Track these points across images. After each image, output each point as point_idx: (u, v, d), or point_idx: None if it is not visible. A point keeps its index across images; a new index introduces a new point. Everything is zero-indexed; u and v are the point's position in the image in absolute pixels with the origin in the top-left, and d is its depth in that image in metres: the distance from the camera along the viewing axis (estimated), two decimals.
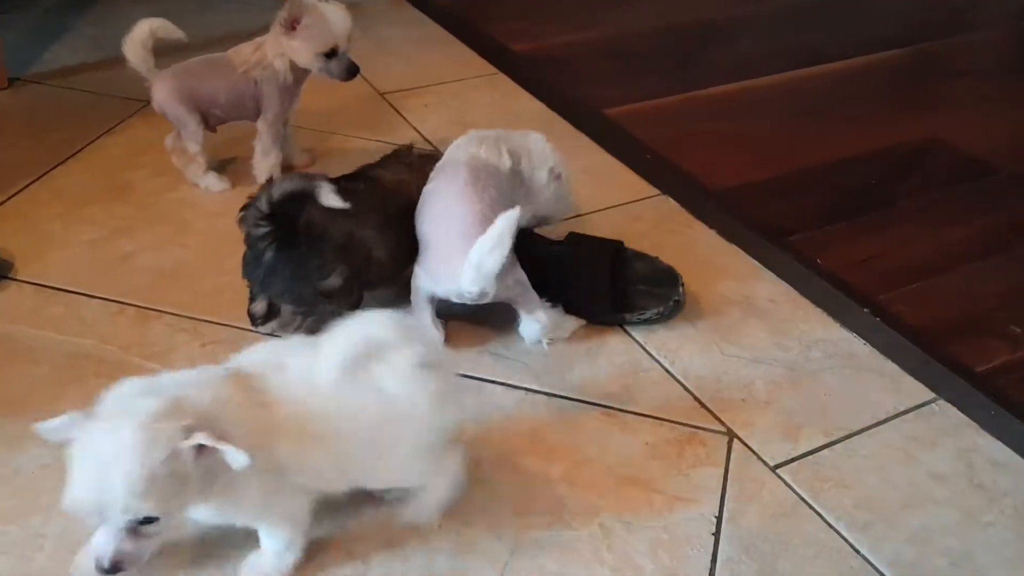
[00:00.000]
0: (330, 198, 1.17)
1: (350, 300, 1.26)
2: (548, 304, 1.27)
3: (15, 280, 1.43)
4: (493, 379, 1.26)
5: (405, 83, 2.10)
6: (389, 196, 1.30)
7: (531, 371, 1.27)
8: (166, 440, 0.77)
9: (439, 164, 1.31)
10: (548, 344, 1.29)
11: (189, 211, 1.61)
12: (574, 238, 1.41)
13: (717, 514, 1.07)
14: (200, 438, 0.78)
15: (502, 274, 1.14)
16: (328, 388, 0.87)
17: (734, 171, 1.75)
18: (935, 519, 1.08)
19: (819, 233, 1.56)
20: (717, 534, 1.05)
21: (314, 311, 1.26)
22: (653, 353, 1.31)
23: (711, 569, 1.01)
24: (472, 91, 2.09)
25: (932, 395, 1.26)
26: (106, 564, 0.79)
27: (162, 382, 0.85)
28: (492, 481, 1.11)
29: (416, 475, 1.00)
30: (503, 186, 1.26)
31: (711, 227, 1.59)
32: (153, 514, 0.78)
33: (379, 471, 0.96)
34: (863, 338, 1.34)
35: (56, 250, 1.50)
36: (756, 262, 1.51)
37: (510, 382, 1.25)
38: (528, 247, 1.26)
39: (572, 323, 1.32)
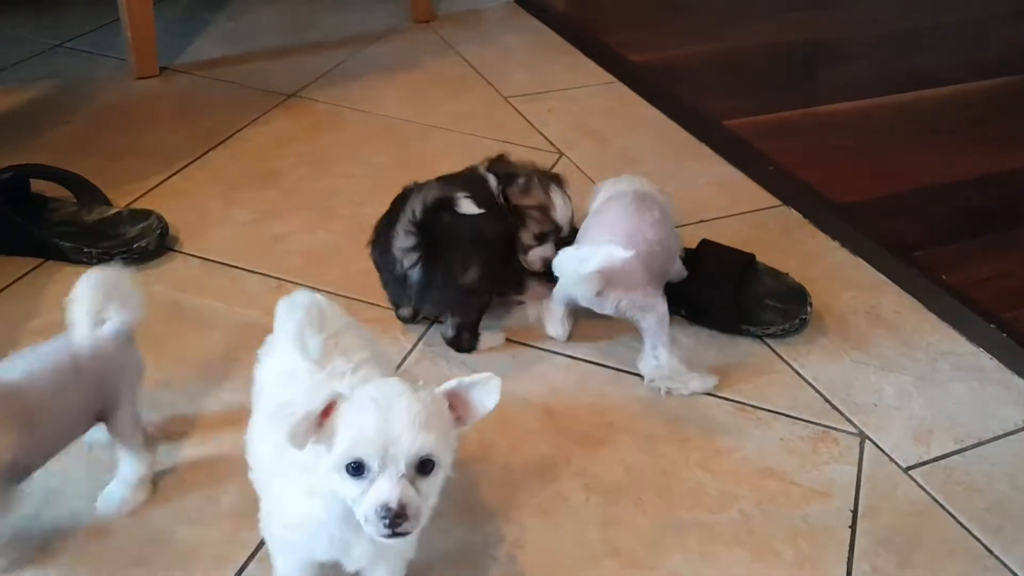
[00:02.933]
0: (468, 206, 1.25)
1: (490, 291, 1.34)
2: (676, 352, 1.27)
3: (180, 252, 1.55)
4: (628, 370, 1.33)
5: (527, 88, 2.18)
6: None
7: None
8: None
9: (603, 194, 1.41)
10: (665, 393, 1.27)
11: (333, 199, 1.71)
12: (705, 244, 1.47)
13: (853, 508, 1.12)
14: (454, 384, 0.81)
15: (623, 283, 1.22)
16: None
17: (856, 186, 1.79)
18: None
19: (943, 250, 1.59)
20: (853, 527, 1.10)
21: (459, 310, 1.34)
22: (784, 356, 1.36)
23: (849, 558, 1.06)
24: (591, 98, 2.17)
25: None
26: (392, 506, 0.75)
27: None
28: (633, 464, 1.17)
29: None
30: (666, 212, 1.35)
31: (835, 239, 1.64)
32: (434, 452, 0.77)
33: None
34: (990, 353, 1.37)
35: (215, 228, 1.62)
36: (881, 275, 1.54)
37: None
38: None
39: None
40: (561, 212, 1.38)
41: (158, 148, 1.84)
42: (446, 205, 1.26)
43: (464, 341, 1.34)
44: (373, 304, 1.43)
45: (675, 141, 1.99)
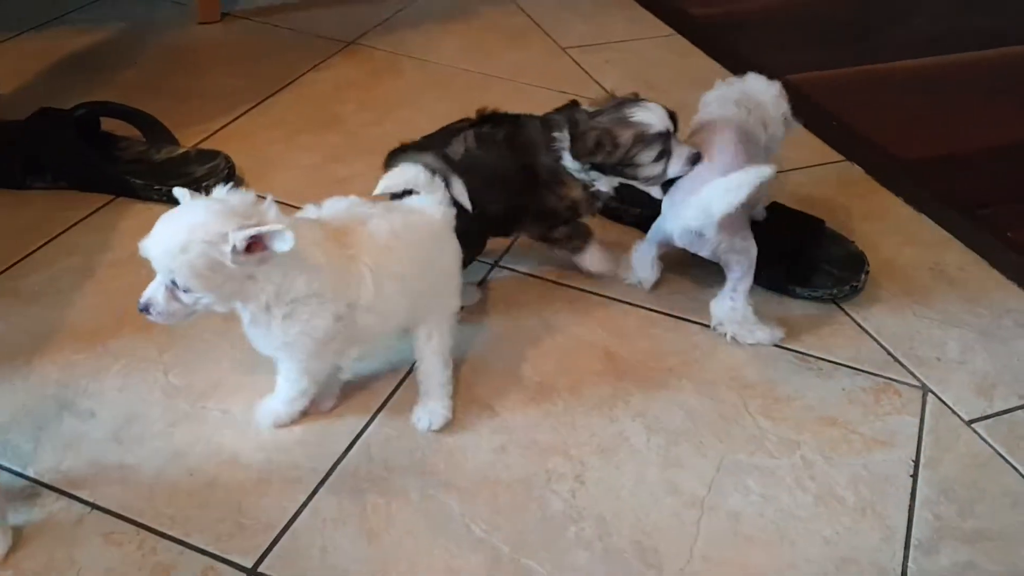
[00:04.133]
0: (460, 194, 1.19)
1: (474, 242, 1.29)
2: (749, 303, 1.27)
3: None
4: (687, 317, 1.33)
5: (585, 39, 2.17)
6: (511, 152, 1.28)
7: None
8: (221, 226, 0.92)
9: (698, 121, 1.33)
10: (730, 339, 1.28)
11: (394, 144, 1.72)
12: (775, 207, 1.44)
13: (914, 458, 1.13)
14: (250, 231, 0.92)
15: (728, 226, 1.20)
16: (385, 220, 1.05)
17: (920, 143, 1.76)
18: None
19: (1009, 208, 1.57)
20: (915, 476, 1.10)
21: None
22: (846, 309, 1.35)
23: (910, 506, 1.07)
24: (650, 50, 2.15)
25: None
26: (141, 301, 0.97)
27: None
28: (694, 407, 1.19)
29: (449, 313, 1.16)
30: (760, 148, 1.31)
31: (898, 195, 1.62)
32: (183, 283, 0.94)
33: (433, 307, 1.12)
34: None
35: (279, 171, 1.64)
36: (945, 231, 1.53)
37: (708, 323, 1.31)
38: None
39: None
40: (656, 119, 1.21)
41: (221, 92, 1.87)
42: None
43: None
44: None
45: None
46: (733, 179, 1.14)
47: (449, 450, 1.12)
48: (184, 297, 0.96)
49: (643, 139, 1.21)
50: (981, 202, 1.58)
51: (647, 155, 1.22)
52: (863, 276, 1.37)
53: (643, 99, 1.25)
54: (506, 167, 1.26)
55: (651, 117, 1.21)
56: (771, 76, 1.97)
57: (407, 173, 1.12)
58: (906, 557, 1.01)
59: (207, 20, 2.14)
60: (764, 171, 1.14)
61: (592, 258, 1.36)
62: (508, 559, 0.99)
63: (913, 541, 1.03)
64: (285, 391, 1.11)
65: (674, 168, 1.23)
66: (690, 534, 1.03)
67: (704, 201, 1.16)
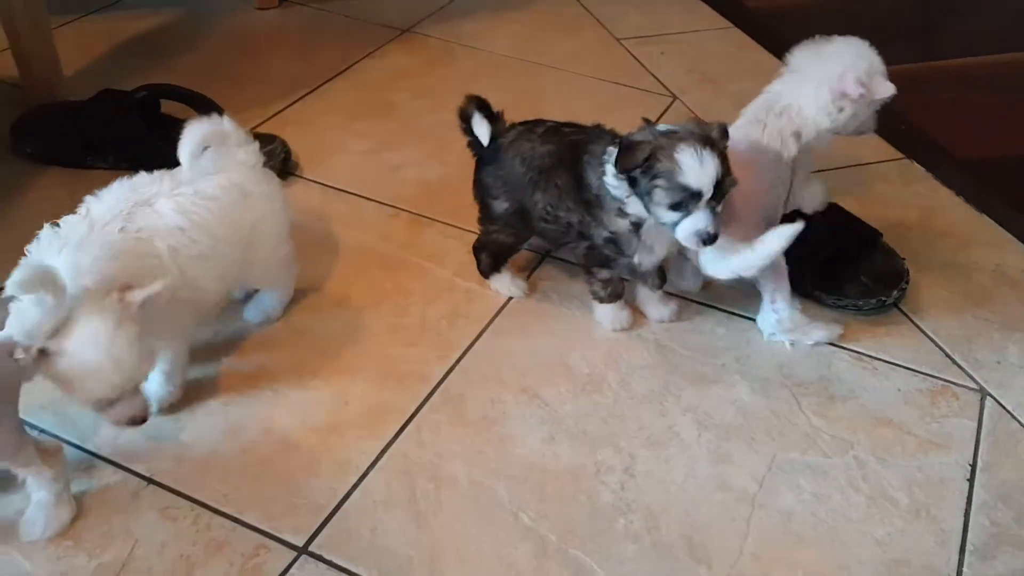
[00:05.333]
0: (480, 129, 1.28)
1: (515, 230, 1.31)
2: (796, 303, 1.25)
3: (301, 177, 1.59)
4: (739, 313, 1.32)
5: (640, 31, 2.15)
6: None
7: None
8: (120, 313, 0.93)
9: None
10: (790, 344, 1.26)
11: (448, 133, 1.68)
12: (832, 208, 1.39)
13: (971, 462, 1.10)
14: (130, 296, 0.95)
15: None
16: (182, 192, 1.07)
17: (982, 143, 1.72)
18: None
19: None
20: (972, 480, 1.08)
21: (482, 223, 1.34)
22: (903, 309, 1.33)
23: (966, 511, 1.05)
24: (706, 42, 2.12)
25: None
26: (145, 414, 1.00)
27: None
28: (746, 403, 1.18)
29: (278, 275, 1.24)
30: (778, 157, 1.24)
31: (958, 195, 1.58)
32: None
33: (250, 273, 1.18)
34: None
35: (334, 156, 1.66)
36: (1007, 233, 1.49)
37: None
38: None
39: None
40: (694, 173, 1.07)
41: (278, 77, 1.89)
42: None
43: (479, 260, 1.36)
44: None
45: None
46: (759, 254, 1.12)
47: (499, 438, 1.13)
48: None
49: (669, 179, 1.08)
50: None
51: (664, 196, 1.09)
52: (895, 293, 1.31)
53: (710, 145, 1.08)
54: (556, 168, 1.22)
55: (690, 165, 1.06)
56: None
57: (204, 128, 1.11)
58: (960, 562, 0.99)
59: (265, 6, 2.16)
60: (789, 231, 1.10)
61: (602, 313, 1.29)
62: (556, 549, 1.00)
63: (968, 546, 1.01)
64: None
65: (681, 232, 1.11)
66: (740, 531, 1.02)
67: (734, 267, 1.14)
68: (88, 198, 1.06)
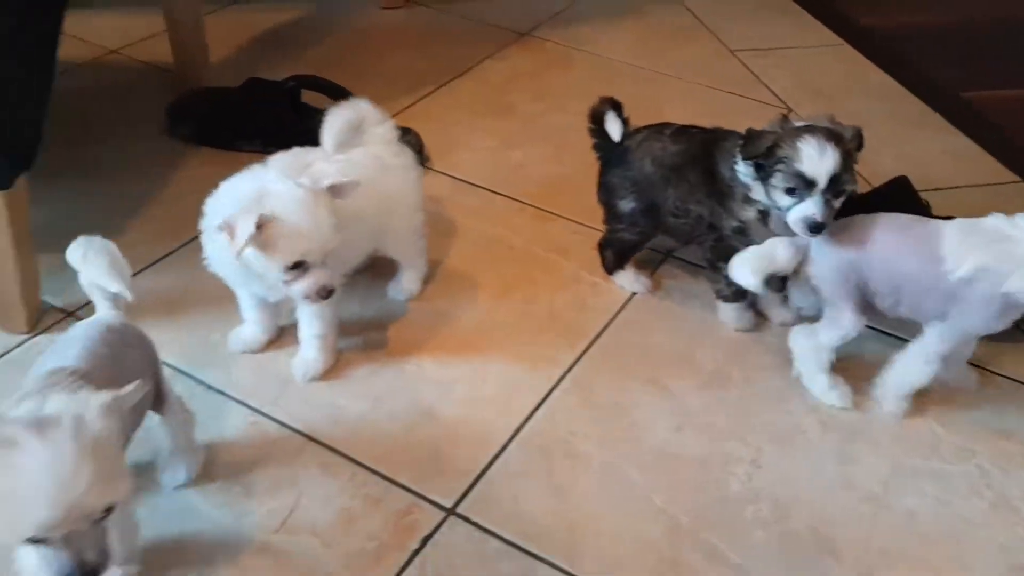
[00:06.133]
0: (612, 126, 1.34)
1: (641, 228, 1.37)
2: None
3: (432, 169, 1.68)
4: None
5: (753, 43, 2.19)
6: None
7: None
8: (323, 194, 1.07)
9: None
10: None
11: (566, 134, 1.78)
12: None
13: None
14: (329, 181, 1.09)
15: None
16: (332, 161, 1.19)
17: None
18: None
19: None
20: None
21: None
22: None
23: None
24: (818, 58, 2.16)
25: None
26: (332, 287, 1.10)
27: None
28: (868, 408, 1.22)
29: (411, 246, 1.33)
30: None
31: None
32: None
33: (391, 235, 1.28)
34: None
35: (461, 151, 1.74)
36: None
37: (881, 328, 1.34)
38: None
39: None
40: (810, 162, 1.11)
41: (404, 74, 1.98)
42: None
43: (604, 257, 1.42)
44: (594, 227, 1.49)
45: (906, 108, 1.96)
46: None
47: (629, 424, 1.19)
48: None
49: (788, 165, 1.13)
50: None
51: (782, 180, 1.14)
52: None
53: (835, 141, 1.12)
54: (688, 164, 1.29)
55: (809, 155, 1.11)
56: (945, 92, 1.98)
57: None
58: None
59: (391, 5, 2.26)
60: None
61: (726, 312, 1.35)
62: (688, 531, 1.05)
63: None
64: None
65: (792, 217, 1.15)
66: (866, 528, 1.06)
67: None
68: (254, 166, 1.15)
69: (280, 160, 1.18)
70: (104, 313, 0.97)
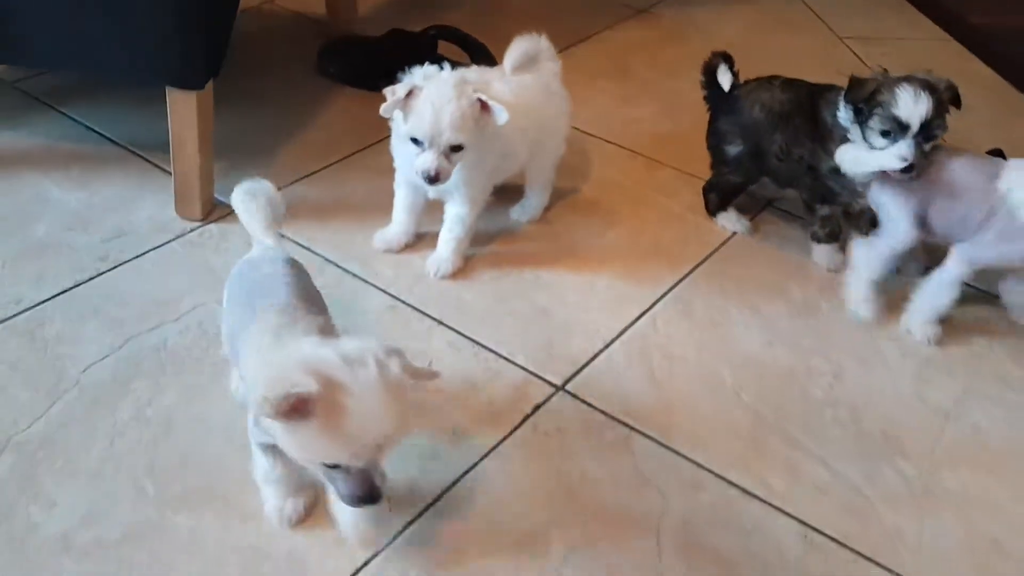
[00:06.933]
0: (723, 78, 1.49)
1: (744, 171, 1.51)
2: None
3: None
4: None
5: (862, 32, 2.29)
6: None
7: None
8: (469, 93, 1.22)
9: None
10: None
11: (679, 97, 1.92)
12: None
13: None
14: (482, 95, 1.22)
15: None
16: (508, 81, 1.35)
17: None
18: None
19: None
20: None
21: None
22: None
23: None
24: (925, 49, 2.24)
25: None
26: (432, 172, 1.24)
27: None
28: (947, 342, 1.32)
29: (548, 172, 1.49)
30: None
31: None
32: (463, 141, 1.23)
33: (540, 154, 1.44)
34: None
35: (581, 104, 1.86)
36: None
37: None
38: None
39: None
40: (906, 107, 1.24)
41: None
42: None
43: (708, 199, 1.55)
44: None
45: (1008, 99, 2.04)
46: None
47: (723, 336, 1.32)
48: (456, 156, 1.26)
49: (885, 109, 1.25)
50: None
51: (878, 123, 1.27)
52: None
53: (930, 90, 1.25)
54: (795, 111, 1.43)
55: (905, 100, 1.24)
56: None
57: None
58: None
59: None
60: None
61: (819, 252, 1.47)
62: (770, 423, 1.18)
63: None
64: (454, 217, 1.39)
65: (886, 155, 1.26)
66: (934, 434, 1.18)
67: None
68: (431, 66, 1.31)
69: (465, 72, 1.34)
70: (272, 249, 1.06)
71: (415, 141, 1.25)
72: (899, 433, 1.18)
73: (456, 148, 1.25)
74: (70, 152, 1.60)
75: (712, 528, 1.05)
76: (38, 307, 1.28)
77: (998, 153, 1.55)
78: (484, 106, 1.25)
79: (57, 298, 1.29)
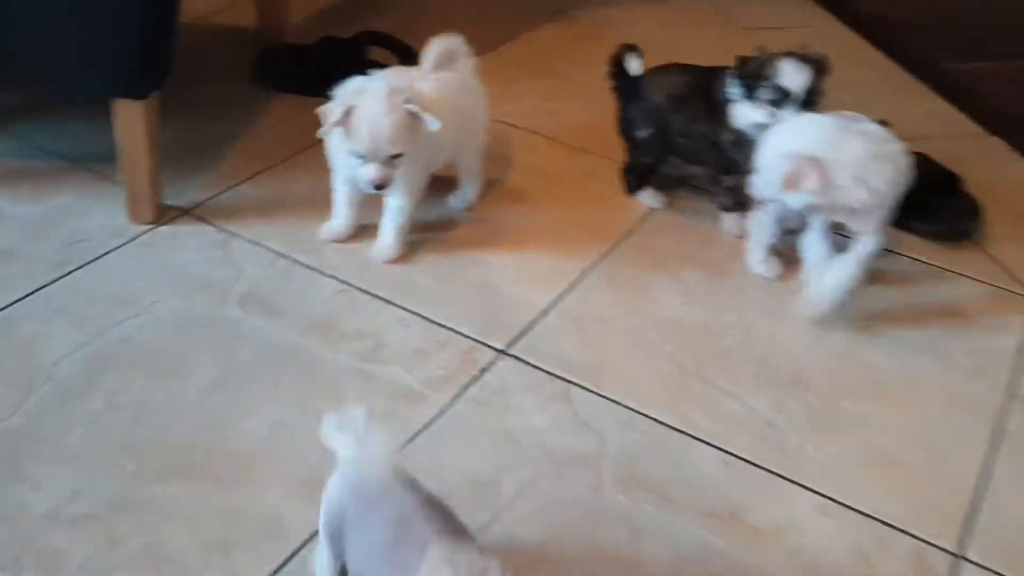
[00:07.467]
0: (635, 66, 1.63)
1: (655, 152, 1.66)
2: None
3: None
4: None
5: (760, 23, 2.47)
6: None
7: None
8: (400, 106, 1.32)
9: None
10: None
11: (596, 91, 1.96)
12: (920, 156, 1.70)
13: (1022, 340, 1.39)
14: (411, 107, 1.32)
15: None
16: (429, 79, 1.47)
17: None
18: None
19: None
20: None
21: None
22: (976, 239, 1.62)
23: (1012, 369, 1.33)
24: (819, 36, 2.39)
25: None
26: (378, 182, 1.36)
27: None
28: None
29: (475, 161, 1.61)
30: None
31: None
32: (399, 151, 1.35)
33: (465, 144, 1.56)
34: None
35: (506, 101, 2.00)
36: None
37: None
38: None
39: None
40: (786, 78, 1.43)
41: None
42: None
43: (626, 180, 1.70)
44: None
45: (894, 78, 2.24)
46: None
47: (646, 300, 1.46)
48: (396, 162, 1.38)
49: (770, 80, 1.44)
50: None
51: (766, 93, 1.44)
52: (973, 223, 1.62)
53: (808, 63, 1.44)
54: (692, 93, 1.59)
55: (787, 73, 1.43)
56: (929, 64, 2.24)
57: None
58: (1007, 401, 1.29)
59: None
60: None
61: (728, 221, 1.62)
62: (691, 370, 1.33)
63: (1014, 393, 1.30)
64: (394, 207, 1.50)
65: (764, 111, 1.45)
66: (833, 371, 1.34)
67: None
68: (357, 78, 1.43)
69: (387, 73, 1.47)
70: None
71: (356, 154, 1.36)
72: (803, 372, 1.33)
73: (396, 156, 1.37)
74: (18, 169, 1.67)
75: (645, 460, 1.18)
76: (6, 310, 1.35)
77: (883, 124, 1.73)
78: (415, 116, 1.35)
79: (24, 301, 1.37)
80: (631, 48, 1.64)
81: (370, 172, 1.36)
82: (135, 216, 1.57)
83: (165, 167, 1.58)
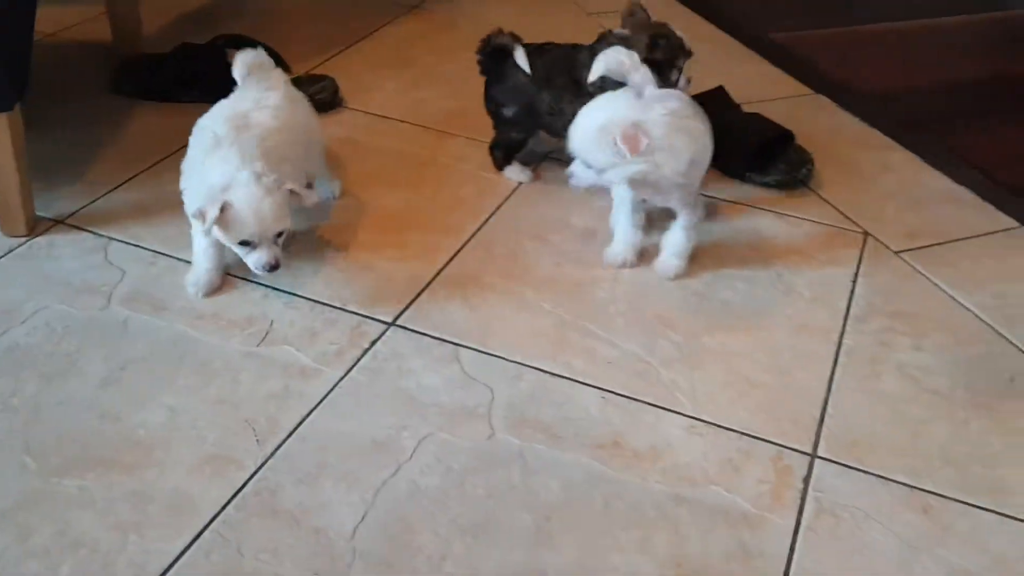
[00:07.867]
0: (520, 58, 1.70)
1: (523, 127, 1.77)
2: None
3: (348, 108, 2.02)
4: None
5: (604, 7, 2.62)
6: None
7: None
8: (274, 188, 1.34)
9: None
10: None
11: (459, 77, 2.13)
12: (754, 115, 1.88)
13: (855, 271, 1.56)
14: (291, 186, 1.36)
15: None
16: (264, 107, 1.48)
17: (880, 84, 2.23)
18: None
19: (944, 125, 2.03)
20: (855, 281, 1.54)
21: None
22: (810, 186, 1.80)
23: (850, 297, 1.50)
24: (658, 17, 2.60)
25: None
26: (271, 264, 1.37)
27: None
28: (702, 243, 1.63)
29: (322, 163, 1.66)
30: None
31: (856, 116, 2.07)
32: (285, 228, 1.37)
33: (309, 151, 1.58)
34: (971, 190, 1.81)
35: (371, 92, 2.09)
36: (890, 139, 1.98)
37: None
38: (718, 110, 1.71)
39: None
40: (619, 59, 1.50)
41: (315, 38, 2.32)
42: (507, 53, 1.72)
43: (494, 156, 1.80)
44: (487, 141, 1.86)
45: (730, 49, 2.43)
46: None
47: (523, 265, 1.56)
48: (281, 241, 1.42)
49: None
50: (920, 120, 2.04)
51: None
52: (805, 169, 1.80)
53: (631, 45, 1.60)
54: (554, 71, 1.69)
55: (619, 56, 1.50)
56: (757, 34, 2.44)
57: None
58: (845, 322, 1.45)
59: None
60: None
61: (512, 171, 1.78)
62: (569, 322, 1.43)
63: (850, 316, 1.47)
64: None
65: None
66: (695, 310, 1.47)
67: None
68: (201, 121, 1.47)
69: (221, 111, 1.48)
70: None
71: (243, 243, 1.36)
72: (667, 314, 1.46)
73: (280, 234, 1.38)
74: None
75: (532, 406, 1.28)
76: None
77: (720, 89, 1.90)
78: (293, 192, 1.38)
79: None
80: (499, 31, 1.72)
81: (263, 256, 1.37)
82: (8, 229, 1.55)
83: (35, 180, 1.58)
